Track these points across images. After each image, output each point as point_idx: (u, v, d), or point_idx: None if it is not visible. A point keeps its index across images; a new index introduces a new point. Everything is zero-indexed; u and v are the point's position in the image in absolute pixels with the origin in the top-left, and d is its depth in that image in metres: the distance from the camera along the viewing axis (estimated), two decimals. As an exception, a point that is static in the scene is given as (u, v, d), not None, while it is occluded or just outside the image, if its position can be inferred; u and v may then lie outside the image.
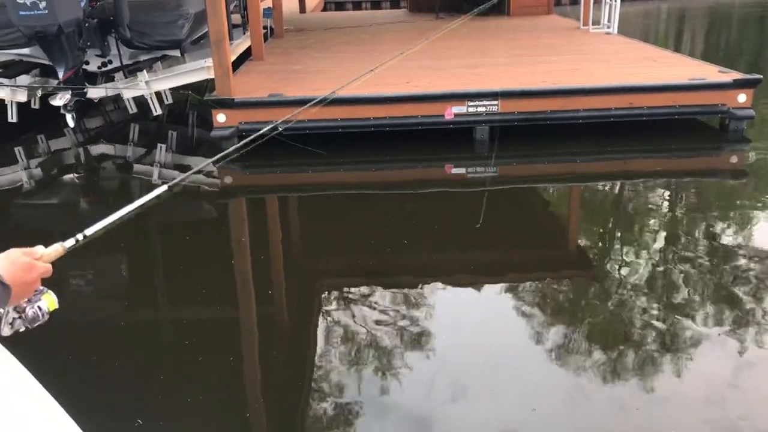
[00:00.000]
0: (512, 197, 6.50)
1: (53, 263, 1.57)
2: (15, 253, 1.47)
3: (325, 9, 20.60)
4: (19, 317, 1.51)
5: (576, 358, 3.73)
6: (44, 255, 1.56)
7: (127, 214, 1.78)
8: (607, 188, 6.74)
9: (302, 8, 16.09)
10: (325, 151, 7.43)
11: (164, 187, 1.89)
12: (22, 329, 1.51)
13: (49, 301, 1.55)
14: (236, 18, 10.59)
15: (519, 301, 4.42)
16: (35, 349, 3.86)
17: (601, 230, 5.75)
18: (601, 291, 4.50)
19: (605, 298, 4.38)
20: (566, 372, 3.61)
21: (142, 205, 1.80)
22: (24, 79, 8.18)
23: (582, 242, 5.54)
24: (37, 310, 1.52)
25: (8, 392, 1.55)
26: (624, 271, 4.77)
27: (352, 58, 9.84)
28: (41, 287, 1.54)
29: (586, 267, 4.97)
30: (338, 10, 21.23)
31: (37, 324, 1.53)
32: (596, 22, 11.60)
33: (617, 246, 5.31)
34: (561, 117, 7.42)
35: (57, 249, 1.62)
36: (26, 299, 1.51)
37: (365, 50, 10.49)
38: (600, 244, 5.46)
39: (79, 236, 1.67)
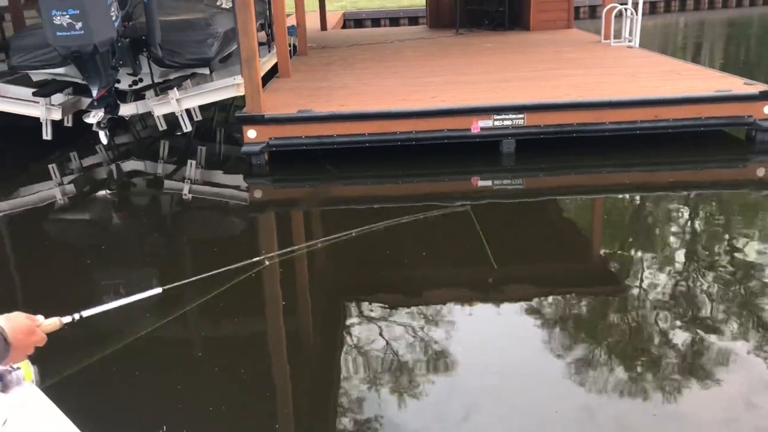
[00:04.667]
0: (538, 209, 6.55)
1: (48, 335, 1.63)
2: (20, 317, 1.54)
3: (344, 26, 20.83)
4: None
5: (602, 376, 3.70)
6: (43, 325, 1.62)
7: (123, 304, 1.87)
8: (633, 201, 6.76)
9: (323, 26, 16.29)
10: (353, 165, 7.54)
11: (159, 290, 1.99)
12: None
13: (25, 372, 1.60)
14: (261, 36, 10.77)
15: (542, 315, 4.42)
16: (73, 363, 3.96)
17: (626, 243, 5.76)
18: (625, 306, 4.49)
19: (630, 313, 4.37)
20: (590, 390, 3.59)
21: (137, 300, 1.87)
22: (58, 98, 8.37)
23: (607, 255, 5.54)
24: (15, 377, 1.57)
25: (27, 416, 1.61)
26: (649, 285, 4.73)
27: (376, 74, 9.98)
28: (17, 366, 1.59)
29: (613, 281, 4.96)
30: (357, 27, 21.45)
31: (9, 390, 1.55)
32: (616, 36, 11.66)
33: (643, 260, 5.29)
34: (587, 130, 7.47)
35: (55, 322, 1.68)
36: (9, 363, 1.55)
37: (388, 66, 10.62)
38: (626, 257, 5.44)
39: (76, 315, 1.75)
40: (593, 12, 22.10)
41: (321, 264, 5.38)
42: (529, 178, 7.39)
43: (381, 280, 5.06)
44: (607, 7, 11.64)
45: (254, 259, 2.25)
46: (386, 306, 4.65)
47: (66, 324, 1.70)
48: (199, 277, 2.09)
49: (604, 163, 7.50)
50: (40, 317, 1.64)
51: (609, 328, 4.27)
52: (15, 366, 1.56)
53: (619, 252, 5.56)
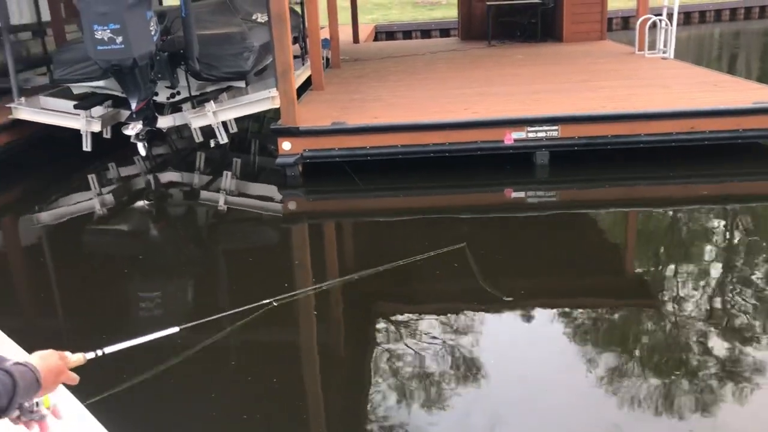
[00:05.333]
0: (572, 222, 6.52)
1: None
2: (54, 358, 1.61)
3: (376, 39, 20.96)
4: (18, 407, 1.58)
5: (634, 390, 3.65)
6: (70, 361, 1.70)
7: (143, 343, 1.92)
8: (667, 214, 6.69)
9: (356, 38, 16.42)
10: (386, 177, 7.58)
11: (176, 329, 2.05)
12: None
13: (44, 399, 1.65)
14: (295, 49, 10.90)
15: (574, 328, 4.40)
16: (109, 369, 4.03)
17: (661, 257, 5.69)
18: (659, 320, 4.43)
19: (663, 328, 4.32)
20: (621, 404, 3.54)
21: (154, 339, 1.91)
22: (98, 110, 8.56)
23: (641, 269, 5.48)
24: (34, 404, 1.61)
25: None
26: (683, 300, 4.67)
27: (408, 86, 10.03)
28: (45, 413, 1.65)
29: (646, 295, 4.90)
30: (389, 40, 21.57)
31: (29, 417, 1.61)
32: (651, 47, 11.57)
33: (677, 274, 5.22)
34: (622, 142, 7.42)
35: (80, 358, 1.76)
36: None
37: (421, 78, 10.67)
38: (659, 271, 5.38)
39: (99, 352, 1.84)
40: (626, 23, 21.94)
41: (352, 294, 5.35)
42: (563, 190, 7.35)
43: (408, 290, 5.08)
44: (641, 18, 11.56)
45: (262, 302, 2.28)
46: (414, 312, 4.67)
47: (89, 359, 1.79)
48: (214, 317, 2.13)
49: (638, 175, 7.44)
50: (68, 353, 1.71)
51: (642, 342, 4.23)
52: (35, 401, 1.63)
53: (653, 266, 5.51)
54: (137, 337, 1.92)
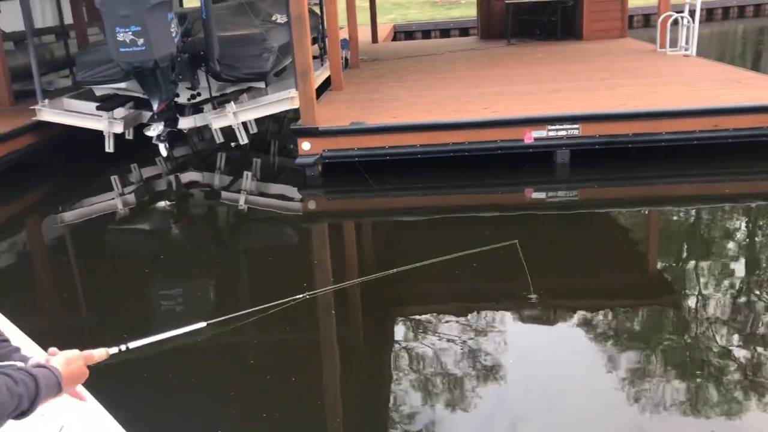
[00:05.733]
0: (593, 221, 6.47)
1: (93, 366, 1.71)
2: (79, 362, 1.61)
3: (395, 39, 20.95)
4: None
5: (657, 391, 3.62)
6: (93, 358, 1.70)
7: (165, 339, 1.88)
8: (690, 213, 6.62)
9: (374, 38, 16.44)
10: (405, 177, 7.58)
11: (203, 324, 2.01)
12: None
13: None
14: (314, 49, 10.93)
15: (595, 328, 4.38)
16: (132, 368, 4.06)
17: (683, 256, 5.64)
18: (681, 320, 4.40)
19: (686, 328, 4.29)
20: (644, 405, 3.52)
21: (179, 335, 1.89)
22: (120, 112, 8.65)
23: (663, 268, 5.44)
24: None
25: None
26: (706, 299, 4.63)
27: (427, 86, 10.02)
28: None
29: (668, 294, 4.86)
30: (407, 40, 21.55)
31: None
32: (672, 45, 11.45)
33: (699, 273, 5.16)
34: (643, 140, 7.36)
35: (102, 354, 1.75)
36: None
37: (439, 77, 10.66)
38: (682, 270, 5.32)
39: (123, 347, 1.82)
40: (647, 21, 21.74)
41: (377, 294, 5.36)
42: (584, 189, 7.31)
43: (431, 291, 5.08)
44: (663, 15, 11.45)
45: (296, 297, 2.27)
46: (436, 313, 4.66)
47: (112, 355, 1.78)
48: (242, 312, 2.12)
49: (660, 174, 7.37)
50: (93, 351, 1.72)
51: (664, 342, 4.19)
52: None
53: (675, 265, 5.46)
54: (162, 332, 1.90)
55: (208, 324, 2.00)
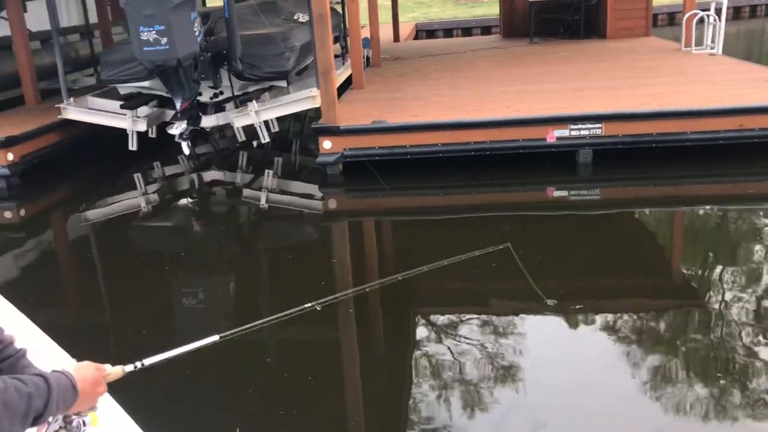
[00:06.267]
0: (615, 221, 6.41)
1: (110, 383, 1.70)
2: (89, 368, 1.60)
3: (416, 37, 20.92)
4: (65, 427, 1.60)
5: (680, 395, 3.58)
6: (108, 374, 1.68)
7: (183, 352, 1.86)
8: (714, 214, 6.53)
9: (396, 37, 16.42)
10: (426, 176, 7.57)
11: (216, 338, 1.99)
12: None
13: (92, 418, 1.65)
14: (336, 48, 10.93)
15: (617, 331, 4.33)
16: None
17: (707, 258, 5.56)
18: (705, 322, 4.34)
19: (710, 331, 4.22)
20: (666, 409, 3.47)
21: (193, 349, 1.87)
22: (144, 110, 8.73)
23: (687, 270, 5.37)
24: (81, 423, 1.63)
25: None
26: (732, 303, 4.55)
27: (449, 84, 9.99)
28: (86, 414, 1.65)
29: (691, 297, 4.79)
30: (429, 38, 21.51)
31: None
32: (698, 43, 11.30)
33: (723, 275, 5.08)
34: (667, 140, 7.27)
35: (118, 371, 1.73)
36: (77, 411, 1.61)
37: (461, 76, 10.62)
38: (706, 272, 5.25)
39: (138, 364, 1.79)
40: (672, 19, 21.49)
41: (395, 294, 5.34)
42: (607, 188, 7.25)
43: (448, 290, 5.06)
44: (688, 13, 11.30)
45: (304, 306, 2.26)
46: (454, 314, 4.65)
47: (128, 372, 1.76)
48: (256, 323, 2.11)
49: (684, 174, 7.29)
50: (107, 366, 1.71)
51: (687, 345, 4.14)
52: (84, 412, 1.64)
53: (699, 267, 5.39)
54: (177, 347, 1.87)
55: (221, 337, 1.98)
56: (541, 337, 4.38)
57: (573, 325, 4.45)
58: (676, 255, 5.72)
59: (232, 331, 2.15)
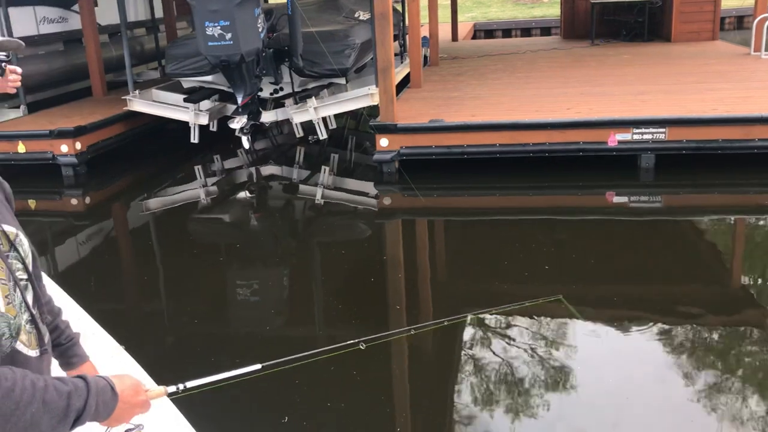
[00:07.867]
0: (677, 229, 6.26)
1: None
2: (129, 378, 1.58)
3: (474, 37, 20.79)
4: None
5: (734, 408, 3.50)
6: (149, 392, 1.64)
7: (224, 379, 1.85)
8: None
9: (454, 36, 16.35)
10: (482, 176, 7.52)
11: (258, 366, 1.97)
12: None
13: None
14: (394, 46, 10.94)
15: (670, 342, 4.22)
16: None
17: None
18: (764, 339, 4.21)
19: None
20: (719, 420, 3.40)
21: (235, 376, 1.85)
22: (206, 104, 8.90)
23: (748, 280, 5.20)
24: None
25: None
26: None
27: (507, 85, 9.90)
28: (140, 423, 1.65)
29: (752, 308, 4.64)
30: (487, 38, 21.35)
31: None
32: (768, 48, 10.93)
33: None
34: (733, 146, 7.06)
35: (160, 391, 1.70)
36: (125, 428, 1.60)
37: (520, 77, 10.51)
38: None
39: (180, 386, 1.77)
40: (740, 23, 20.83)
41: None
42: (669, 195, 7.08)
43: (501, 291, 5.02)
44: (759, 17, 10.94)
45: (350, 342, 2.25)
46: (500, 317, 4.60)
47: (169, 393, 1.74)
48: (299, 355, 2.11)
49: (750, 182, 7.07)
50: (151, 383, 1.74)
51: (743, 358, 4.01)
52: (136, 423, 1.64)
53: (761, 278, 5.21)
54: (219, 373, 1.86)
55: (263, 366, 1.99)
56: (588, 343, 4.31)
57: (625, 331, 4.37)
58: (738, 266, 5.53)
59: (275, 360, 2.14)
